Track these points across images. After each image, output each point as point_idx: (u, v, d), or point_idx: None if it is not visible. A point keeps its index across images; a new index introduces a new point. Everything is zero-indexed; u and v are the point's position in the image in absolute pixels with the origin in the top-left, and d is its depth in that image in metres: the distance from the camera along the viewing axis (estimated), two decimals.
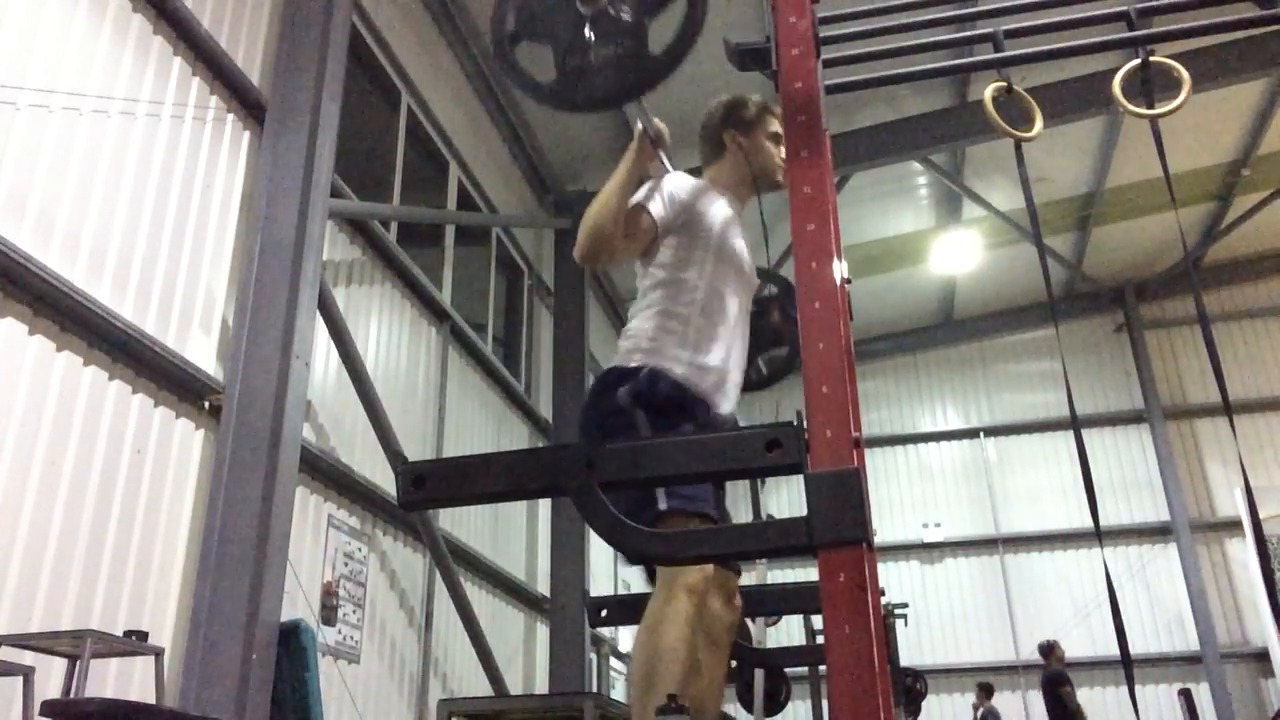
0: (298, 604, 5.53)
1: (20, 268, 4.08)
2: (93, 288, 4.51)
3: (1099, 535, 3.53)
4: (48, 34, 4.50)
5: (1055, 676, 10.07)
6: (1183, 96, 2.48)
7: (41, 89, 4.39)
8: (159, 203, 5.07)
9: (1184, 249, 13.76)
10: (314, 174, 5.71)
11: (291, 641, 5.09)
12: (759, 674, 6.59)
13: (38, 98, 4.36)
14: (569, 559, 9.87)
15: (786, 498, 14.08)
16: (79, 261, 4.49)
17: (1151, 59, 2.49)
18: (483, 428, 9.05)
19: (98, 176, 4.69)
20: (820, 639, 3.37)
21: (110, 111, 4.81)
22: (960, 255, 13.63)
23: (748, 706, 6.89)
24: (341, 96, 6.17)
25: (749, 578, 3.38)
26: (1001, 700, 13.72)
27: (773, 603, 4.49)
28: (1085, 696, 11.38)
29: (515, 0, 2.21)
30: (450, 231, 8.79)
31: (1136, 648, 13.07)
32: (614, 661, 11.68)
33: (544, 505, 10.05)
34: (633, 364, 2.60)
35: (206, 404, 5.22)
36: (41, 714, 3.23)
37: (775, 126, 2.89)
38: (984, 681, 12.52)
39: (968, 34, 3.19)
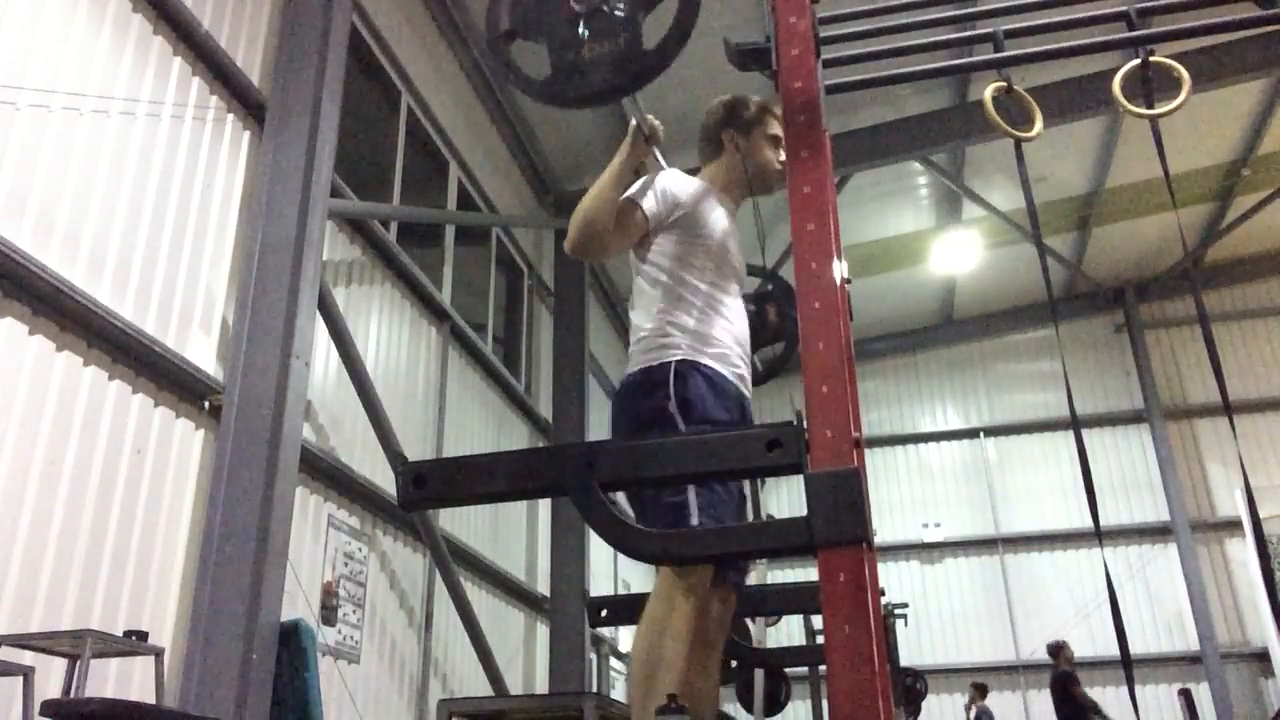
0: (298, 604, 5.53)
1: (20, 268, 4.08)
2: (93, 288, 4.51)
3: (1099, 535, 3.53)
4: (48, 34, 4.50)
5: (1066, 677, 10.04)
6: (1183, 96, 2.48)
7: (41, 89, 4.39)
8: (159, 203, 5.07)
9: (1184, 249, 13.77)
10: (314, 174, 5.71)
11: (291, 641, 5.09)
12: (759, 674, 6.59)
13: (38, 98, 4.36)
14: (569, 559, 9.87)
15: (786, 498, 14.09)
16: (79, 261, 4.49)
17: (1151, 59, 2.49)
18: (483, 428, 9.05)
19: (98, 176, 4.69)
20: (820, 639, 3.37)
21: (110, 111, 4.81)
22: (960, 255, 13.64)
23: (748, 706, 6.90)
24: (341, 96, 6.17)
25: (749, 578, 3.38)
26: (1002, 700, 13.73)
27: (773, 603, 4.49)
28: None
29: None
30: (450, 231, 8.79)
31: (1136, 648, 13.08)
32: (614, 661, 11.68)
33: (544, 505, 10.05)
34: (656, 363, 2.60)
35: (206, 404, 5.22)
36: (41, 714, 3.23)
37: (775, 129, 2.89)
38: (978, 681, 12.52)
39: (968, 34, 3.19)
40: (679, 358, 2.57)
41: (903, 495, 15.20)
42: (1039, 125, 2.52)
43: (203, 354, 5.24)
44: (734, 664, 5.97)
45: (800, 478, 1.75)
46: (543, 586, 9.86)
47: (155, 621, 4.63)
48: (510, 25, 2.21)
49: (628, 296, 2.85)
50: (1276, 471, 13.70)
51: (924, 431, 15.65)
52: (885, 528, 14.48)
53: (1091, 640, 13.05)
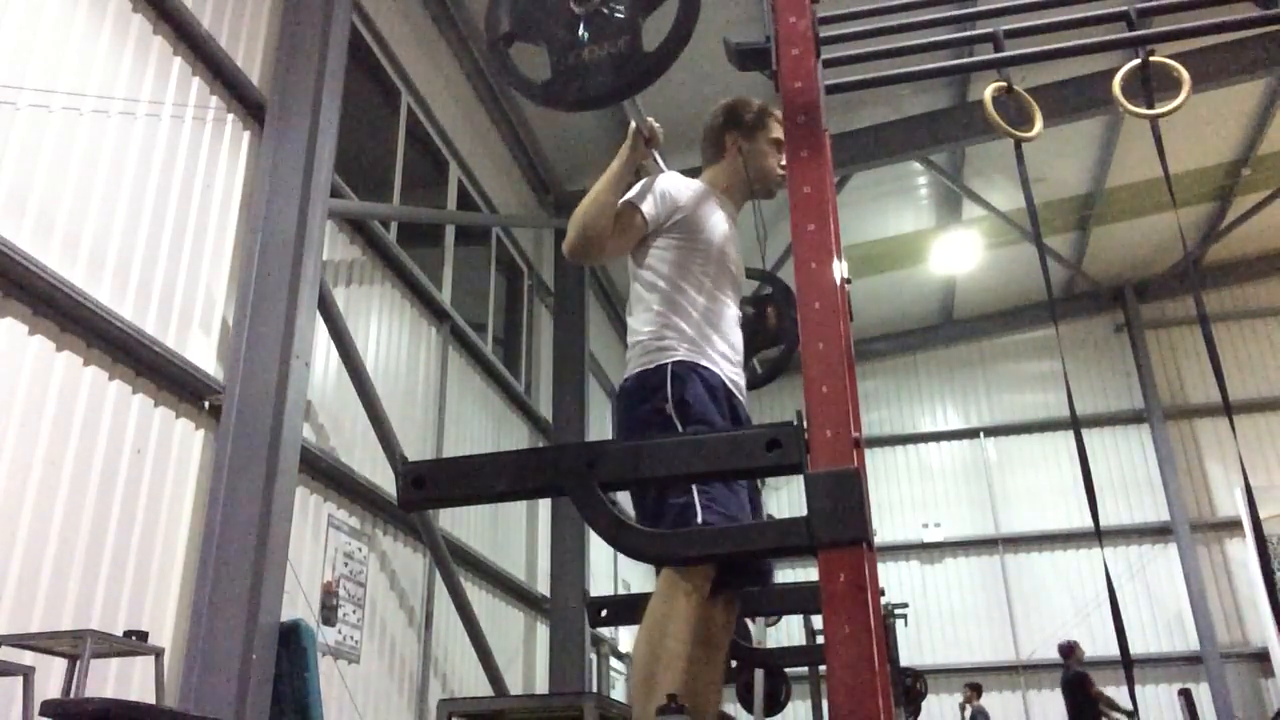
0: (298, 604, 5.53)
1: (20, 268, 4.08)
2: (93, 288, 4.51)
3: (1099, 535, 3.54)
4: (48, 34, 4.50)
5: (1083, 677, 9.99)
6: (1183, 96, 2.48)
7: (41, 89, 4.38)
8: (159, 203, 5.07)
9: (1184, 249, 13.77)
10: (314, 174, 5.71)
11: (291, 641, 5.09)
12: (759, 674, 6.59)
13: (38, 98, 4.36)
14: (569, 559, 9.87)
15: (786, 498, 14.09)
16: (79, 261, 4.49)
17: (1151, 59, 2.49)
18: (483, 428, 9.05)
19: (98, 176, 4.69)
20: (820, 639, 3.37)
21: (110, 111, 4.81)
22: (960, 255, 13.64)
23: (748, 706, 6.90)
24: (341, 96, 6.17)
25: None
26: (1001, 700, 13.74)
27: (773, 603, 4.49)
28: None
29: (509, 0, 2.21)
30: (450, 231, 8.79)
31: (1136, 648, 13.08)
32: (614, 661, 11.68)
33: (544, 505, 10.05)
34: (653, 366, 2.60)
35: (206, 404, 5.22)
36: (41, 714, 3.23)
37: (778, 132, 2.88)
38: (973, 681, 12.53)
39: (968, 34, 3.19)
40: (675, 360, 2.58)
41: (903, 495, 15.20)
42: (1039, 125, 2.52)
43: (203, 354, 5.24)
44: (734, 664, 5.97)
45: (800, 478, 1.75)
46: (543, 586, 9.86)
47: (155, 621, 4.63)
48: (510, 27, 2.21)
49: (628, 297, 2.84)
50: (1276, 471, 13.70)
51: (924, 431, 15.65)
52: (885, 528, 14.48)
53: (1091, 640, 13.01)
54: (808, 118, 2.08)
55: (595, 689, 10.50)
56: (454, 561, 7.48)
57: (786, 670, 6.95)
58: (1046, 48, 2.58)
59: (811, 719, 9.03)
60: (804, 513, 1.71)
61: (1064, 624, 13.59)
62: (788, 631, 11.35)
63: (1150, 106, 2.53)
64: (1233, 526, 13.66)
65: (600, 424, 10.78)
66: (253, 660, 4.68)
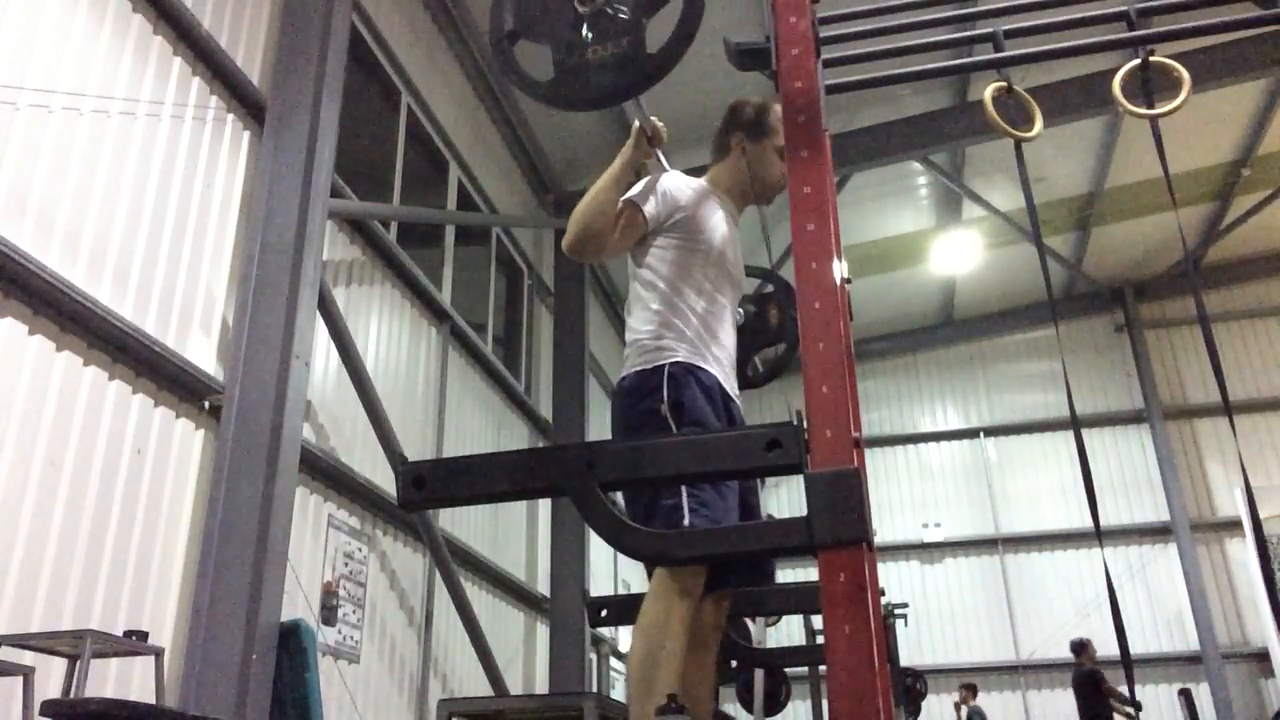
0: (298, 604, 5.53)
1: (20, 268, 4.08)
2: (93, 288, 4.51)
3: (1099, 535, 3.53)
4: (48, 34, 4.50)
5: (1096, 675, 9.97)
6: (1183, 96, 2.48)
7: (41, 89, 4.38)
8: (159, 203, 5.07)
9: (1184, 249, 13.76)
10: (314, 174, 5.71)
11: (291, 641, 5.09)
12: (759, 674, 6.59)
13: (38, 98, 4.36)
14: (569, 559, 9.87)
15: (786, 498, 14.09)
16: (79, 261, 4.49)
17: (1151, 59, 2.49)
18: (483, 428, 9.05)
19: (98, 176, 4.69)
20: (820, 639, 3.37)
21: (110, 111, 4.80)
22: (960, 255, 13.64)
23: (748, 706, 6.90)
24: (341, 96, 6.17)
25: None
26: (1001, 700, 13.75)
27: (773, 603, 4.49)
28: None
29: None
30: (450, 231, 8.79)
31: (1136, 648, 13.08)
32: (614, 661, 11.68)
33: (544, 505, 10.05)
34: (650, 366, 2.60)
35: (206, 404, 5.22)
36: (41, 714, 3.23)
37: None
38: (968, 682, 12.54)
39: (968, 34, 3.18)
40: (673, 361, 2.58)
41: (903, 495, 15.20)
42: (1039, 125, 2.52)
43: (203, 354, 5.24)
44: (734, 664, 5.97)
45: (800, 478, 1.75)
46: (543, 586, 9.86)
47: (155, 621, 4.63)
48: (514, 26, 2.21)
49: (628, 297, 2.84)
50: (1276, 471, 13.70)
51: (924, 431, 15.65)
52: (885, 528, 14.48)
53: (1092, 640, 13.04)
54: (808, 118, 2.08)
55: (595, 689, 10.50)
56: (454, 561, 7.48)
57: (786, 670, 6.95)
58: (1046, 48, 2.58)
59: (811, 719, 9.04)
60: (804, 513, 1.71)
61: (1064, 624, 13.58)
62: (788, 631, 11.34)
63: (1150, 106, 2.53)
64: (1233, 526, 13.66)
65: (600, 424, 10.77)
66: (253, 660, 4.68)
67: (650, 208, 2.69)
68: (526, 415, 10.14)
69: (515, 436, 9.82)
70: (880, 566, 2.52)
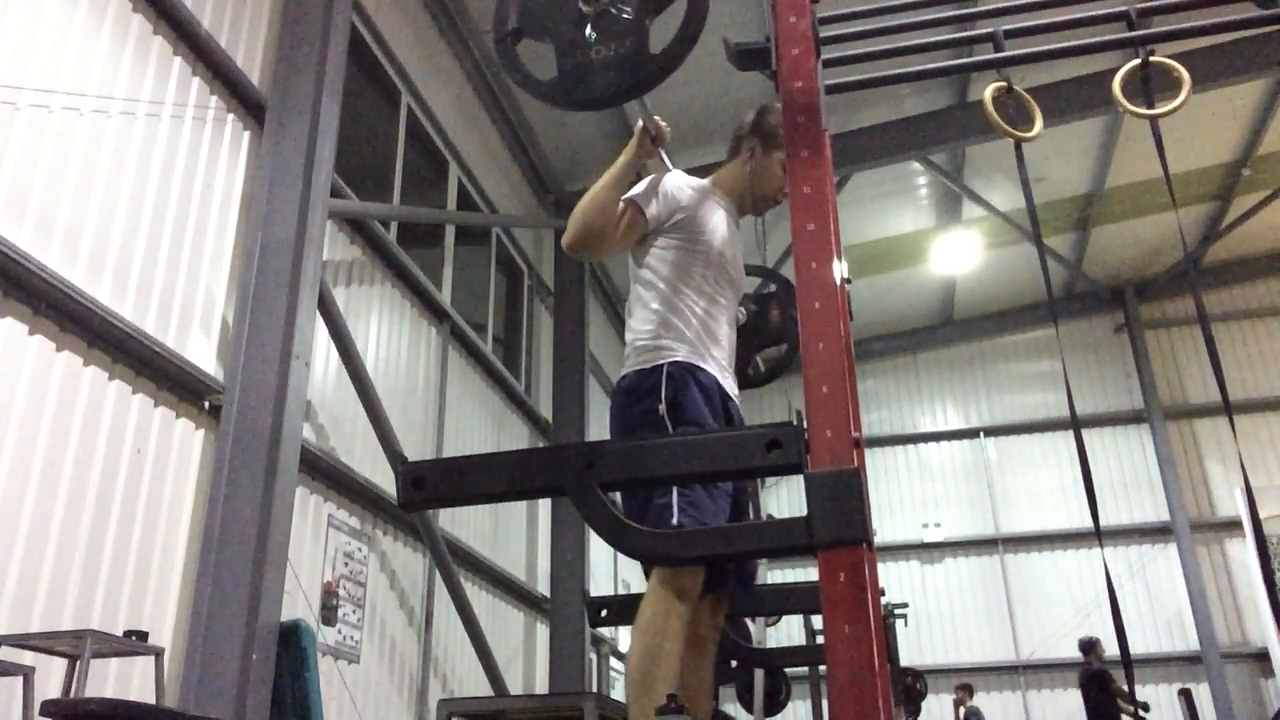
0: (298, 604, 5.53)
1: (20, 268, 4.08)
2: (93, 288, 4.51)
3: (1099, 535, 3.53)
4: (48, 34, 4.50)
5: (1100, 674, 9.96)
6: (1183, 96, 2.48)
7: (41, 89, 4.38)
8: (159, 203, 5.07)
9: (1184, 249, 13.76)
10: (314, 174, 5.71)
11: (291, 641, 5.09)
12: (759, 674, 6.59)
13: (38, 98, 4.36)
14: (569, 559, 9.87)
15: (786, 498, 14.09)
16: (79, 261, 4.49)
17: (1151, 59, 2.49)
18: (483, 428, 9.05)
19: (98, 176, 4.69)
20: (820, 639, 3.37)
21: (110, 111, 4.81)
22: (960, 255, 13.64)
23: (748, 706, 6.90)
24: (341, 96, 6.17)
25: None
26: (1001, 700, 13.75)
27: (773, 603, 4.49)
28: None
29: None
30: (450, 231, 8.79)
31: (1136, 648, 13.08)
32: (614, 661, 11.68)
33: (544, 505, 10.05)
34: (649, 366, 2.60)
35: (206, 404, 5.22)
36: (41, 714, 3.23)
37: None
38: (964, 682, 12.55)
39: (968, 34, 3.19)
40: (672, 361, 2.58)
41: (903, 495, 15.20)
42: (1039, 125, 2.52)
43: (203, 354, 5.24)
44: (734, 664, 5.98)
45: (800, 478, 1.75)
46: (543, 586, 9.86)
47: (155, 621, 4.63)
48: (517, 24, 2.21)
49: (627, 296, 2.84)
50: (1276, 471, 13.70)
51: (924, 431, 15.65)
52: (885, 528, 14.47)
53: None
54: (808, 118, 2.08)
55: (595, 689, 10.50)
56: (454, 561, 7.48)
57: (786, 670, 6.95)
58: (1046, 48, 2.58)
59: (811, 719, 9.04)
60: (804, 513, 1.71)
61: (1064, 624, 13.59)
62: (788, 631, 11.35)
63: (1150, 106, 2.53)
64: (1233, 526, 13.65)
65: (600, 424, 10.77)
66: (253, 660, 4.68)
67: (652, 208, 2.70)
68: (526, 415, 10.14)
69: (515, 436, 9.82)
70: (880, 566, 2.52)
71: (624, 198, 2.67)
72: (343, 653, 6.20)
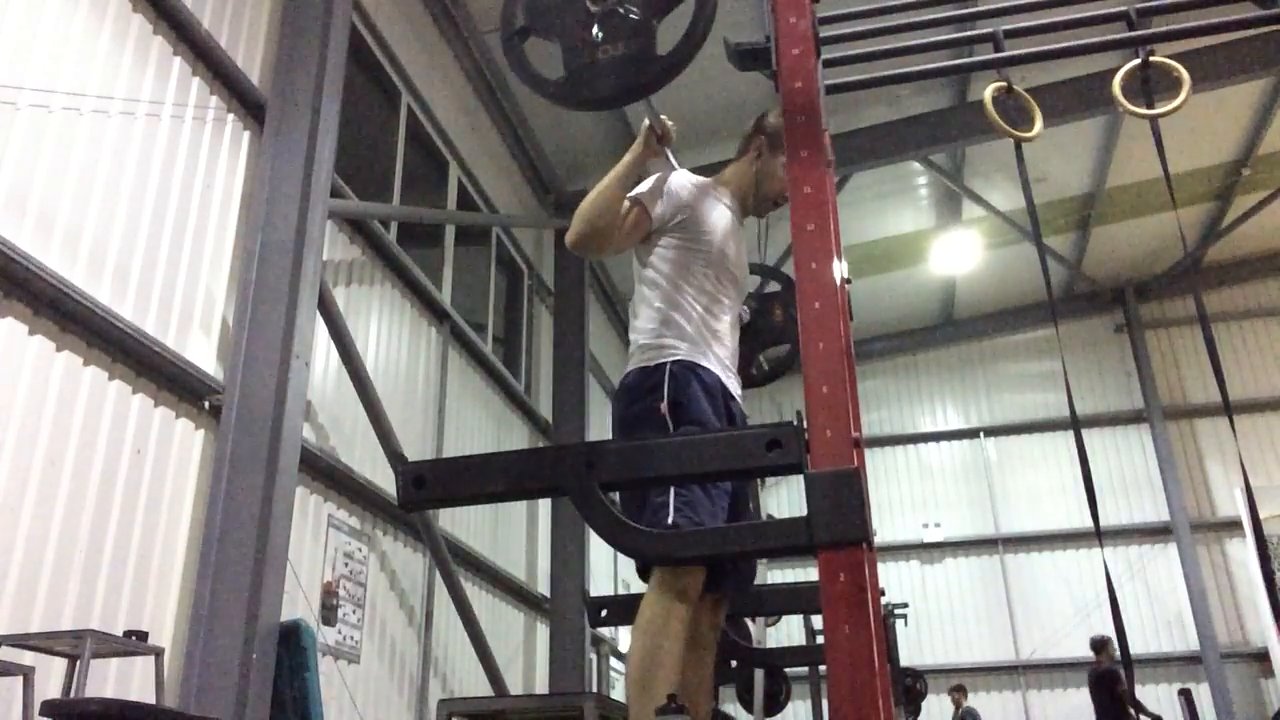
0: (298, 604, 5.53)
1: (20, 268, 4.08)
2: (93, 288, 4.51)
3: (1099, 535, 3.53)
4: (48, 34, 4.50)
5: (1110, 674, 9.96)
6: (1183, 96, 2.48)
7: (41, 89, 4.38)
8: (159, 203, 5.07)
9: (1184, 249, 13.76)
10: (314, 174, 5.71)
11: (291, 641, 5.09)
12: (759, 674, 6.59)
13: (38, 98, 4.36)
14: (569, 559, 9.87)
15: (786, 498, 14.09)
16: (79, 261, 4.49)
17: (1151, 59, 2.49)
18: (483, 428, 9.05)
19: (98, 176, 4.69)
20: (820, 639, 3.37)
21: (110, 111, 4.80)
22: (960, 255, 13.64)
23: (748, 706, 6.90)
24: (341, 96, 6.17)
25: None
26: (1001, 700, 13.75)
27: (773, 603, 4.49)
28: (1086, 697, 11.35)
29: None
30: (450, 231, 8.79)
31: (1136, 648, 13.08)
32: (614, 661, 11.68)
33: (544, 505, 10.05)
34: (652, 364, 2.60)
35: (206, 404, 5.22)
36: (41, 714, 3.23)
37: None
38: (958, 683, 12.56)
39: (968, 34, 3.19)
40: (675, 359, 2.58)
41: (903, 495, 15.20)
42: (1039, 125, 2.52)
43: (203, 354, 5.24)
44: (734, 664, 5.98)
45: (800, 478, 1.75)
46: (543, 586, 9.86)
47: (155, 621, 4.63)
48: (525, 22, 2.21)
49: (628, 296, 2.85)
50: (1276, 471, 13.70)
51: (924, 431, 15.65)
52: (885, 528, 14.47)
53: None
54: (808, 118, 2.08)
55: (595, 689, 10.50)
56: (454, 561, 7.48)
57: (786, 670, 6.95)
58: (1046, 48, 2.58)
59: (811, 719, 9.04)
60: (804, 513, 1.71)
61: (1064, 624, 13.59)
62: (788, 631, 11.35)
63: (1150, 106, 2.53)
64: (1233, 526, 13.65)
65: (600, 424, 10.78)
66: (253, 660, 4.68)
67: (657, 207, 2.70)
68: (526, 415, 10.14)
69: (515, 436, 9.81)
70: (880, 566, 2.52)
71: (629, 196, 2.67)
72: (343, 653, 6.20)
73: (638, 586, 2.60)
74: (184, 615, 4.83)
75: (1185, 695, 11.82)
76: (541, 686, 9.36)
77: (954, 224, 13.18)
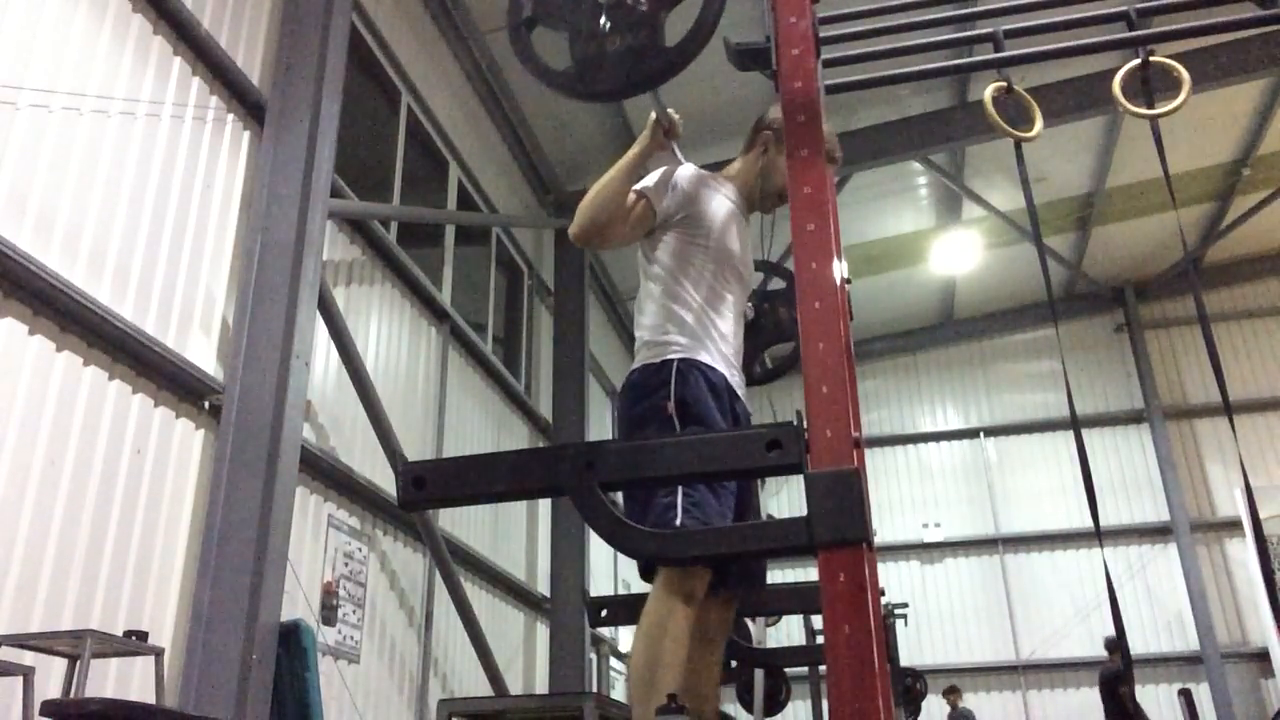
0: (298, 604, 5.53)
1: (20, 268, 4.08)
2: (93, 288, 4.51)
3: (1099, 535, 3.53)
4: (48, 34, 4.50)
5: (1117, 675, 9.95)
6: (1183, 96, 2.48)
7: (41, 89, 4.38)
8: (159, 203, 5.07)
9: (1184, 249, 13.76)
10: (314, 174, 5.71)
11: (291, 641, 5.09)
12: (759, 674, 6.59)
13: (38, 98, 4.36)
14: (569, 559, 9.87)
15: (786, 498, 14.09)
16: (79, 261, 4.49)
17: (1151, 59, 2.49)
18: (483, 428, 9.05)
19: (98, 176, 4.69)
20: (820, 639, 3.37)
21: (110, 111, 4.80)
22: (960, 255, 13.64)
23: (748, 706, 6.90)
24: (341, 96, 6.17)
25: None
26: (1001, 700, 13.75)
27: (773, 603, 4.49)
28: (1086, 697, 11.38)
29: None
30: (450, 231, 8.79)
31: (1136, 648, 13.08)
32: (614, 661, 11.68)
33: (544, 505, 10.05)
34: (658, 360, 2.59)
35: (206, 404, 5.22)
36: (41, 714, 3.23)
37: None
38: (951, 685, 12.55)
39: (968, 34, 3.19)
40: (680, 356, 2.57)
41: (903, 495, 15.20)
42: (1039, 125, 2.52)
43: (203, 354, 5.24)
44: (734, 664, 5.98)
45: (800, 478, 1.75)
46: (543, 586, 9.86)
47: (155, 621, 4.63)
48: (532, 12, 2.20)
49: (628, 296, 2.84)
50: (1276, 471, 13.70)
51: (924, 431, 15.65)
52: (885, 528, 14.47)
53: (1091, 640, 13.04)
54: (808, 118, 2.07)
55: (595, 689, 10.50)
56: (454, 561, 7.48)
57: (786, 670, 6.95)
58: (1046, 48, 2.58)
59: (811, 719, 9.03)
60: (804, 513, 1.71)
61: (1064, 624, 13.59)
62: (788, 631, 11.36)
63: (1150, 106, 2.53)
64: (1233, 526, 13.65)
65: (600, 424, 10.78)
66: (253, 660, 4.68)
67: (662, 200, 2.68)
68: (526, 415, 10.14)
69: (515, 436, 9.81)
70: (880, 566, 2.53)
71: (634, 189, 2.66)
72: (343, 653, 6.20)
73: (638, 586, 2.59)
74: (184, 615, 4.83)
75: (1185, 695, 11.82)
76: (541, 686, 9.36)
77: (954, 224, 13.18)
